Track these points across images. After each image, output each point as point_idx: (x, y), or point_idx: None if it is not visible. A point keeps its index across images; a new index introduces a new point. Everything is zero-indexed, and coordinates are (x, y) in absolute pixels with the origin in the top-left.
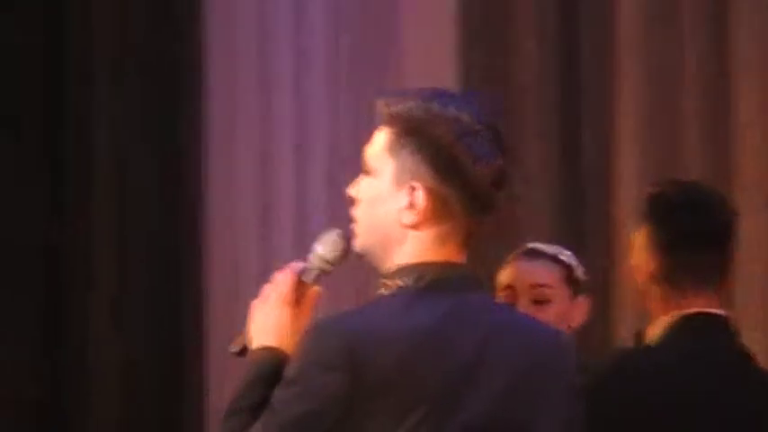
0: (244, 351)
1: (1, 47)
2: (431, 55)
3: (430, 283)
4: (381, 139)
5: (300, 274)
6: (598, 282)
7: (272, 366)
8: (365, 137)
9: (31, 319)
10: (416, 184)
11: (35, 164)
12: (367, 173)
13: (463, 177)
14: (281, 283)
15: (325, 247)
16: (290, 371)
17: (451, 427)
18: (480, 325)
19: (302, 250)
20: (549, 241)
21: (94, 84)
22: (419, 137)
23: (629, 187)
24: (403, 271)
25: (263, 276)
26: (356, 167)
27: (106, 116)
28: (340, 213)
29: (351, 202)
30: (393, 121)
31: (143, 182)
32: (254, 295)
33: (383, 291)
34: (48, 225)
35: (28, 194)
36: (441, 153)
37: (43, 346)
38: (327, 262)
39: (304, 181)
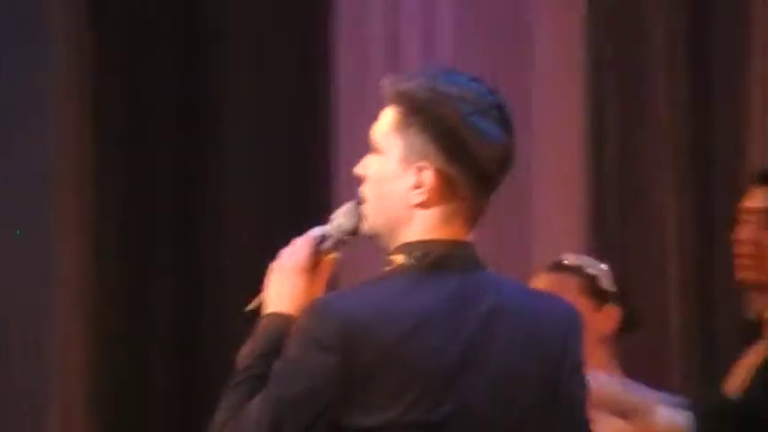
0: (259, 311)
1: None
2: (559, 83)
3: (435, 260)
4: (388, 117)
5: (318, 241)
6: None
7: (282, 334)
8: None
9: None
10: (424, 164)
11: None
12: (375, 151)
13: (470, 157)
14: (298, 250)
15: (344, 218)
16: (289, 348)
17: (446, 409)
18: (484, 305)
19: None
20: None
21: None
22: (426, 116)
23: None
24: (408, 247)
25: None
26: None
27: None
28: None
29: (359, 180)
30: (399, 99)
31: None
32: None
33: (387, 268)
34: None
35: None
36: (448, 133)
37: None
38: (345, 232)
39: None
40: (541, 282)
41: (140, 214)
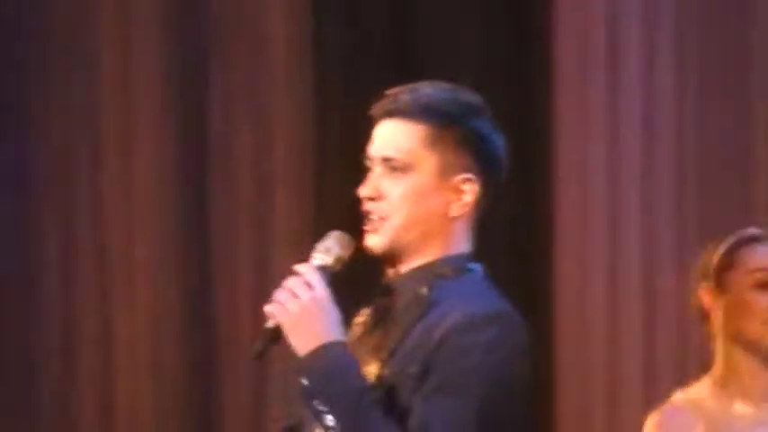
0: (266, 352)
1: None
2: None
3: (484, 270)
4: (413, 133)
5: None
6: None
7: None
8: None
9: None
10: (468, 176)
11: None
12: (394, 169)
13: (501, 166)
14: (315, 284)
15: (340, 248)
16: (482, 363)
17: None
18: None
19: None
20: None
21: None
22: (460, 129)
23: None
24: (459, 260)
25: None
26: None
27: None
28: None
29: (366, 200)
30: (425, 114)
31: None
32: None
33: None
34: None
35: None
36: (483, 144)
37: None
38: (342, 263)
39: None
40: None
41: None
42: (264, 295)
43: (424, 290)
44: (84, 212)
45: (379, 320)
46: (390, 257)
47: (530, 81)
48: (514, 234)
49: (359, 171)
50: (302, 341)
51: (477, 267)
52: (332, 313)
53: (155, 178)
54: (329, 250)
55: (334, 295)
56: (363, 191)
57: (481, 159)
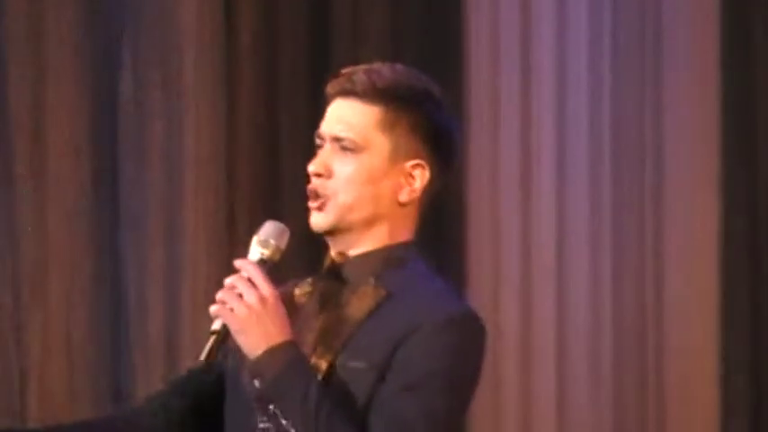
0: (211, 356)
1: None
2: (693, 69)
3: (424, 259)
4: (368, 115)
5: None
6: None
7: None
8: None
9: None
10: (419, 162)
11: None
12: (345, 149)
13: (454, 154)
14: (259, 281)
15: (278, 239)
16: (453, 363)
17: None
18: None
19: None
20: None
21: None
22: (414, 115)
23: None
24: (405, 248)
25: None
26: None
27: None
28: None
29: (314, 176)
30: (381, 96)
31: None
32: None
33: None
34: None
35: None
36: (437, 131)
37: None
38: (280, 252)
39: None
40: None
41: None
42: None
43: (373, 280)
44: None
45: (326, 304)
46: (334, 237)
47: (441, 64)
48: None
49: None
50: (252, 343)
51: (419, 257)
52: (279, 312)
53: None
54: (266, 242)
55: (275, 283)
56: (312, 167)
57: (434, 147)
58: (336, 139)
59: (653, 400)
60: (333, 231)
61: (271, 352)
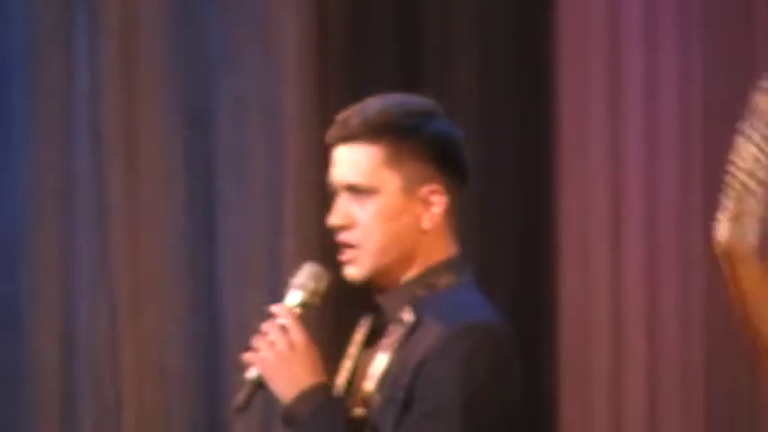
0: (248, 403)
1: None
2: None
3: (469, 274)
4: (371, 155)
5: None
6: None
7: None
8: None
9: None
10: (434, 187)
11: None
12: (359, 193)
13: (463, 165)
14: (292, 328)
15: (315, 281)
16: (469, 379)
17: None
18: None
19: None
20: None
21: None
22: (417, 141)
23: None
24: (444, 267)
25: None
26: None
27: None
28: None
29: (338, 229)
30: (378, 133)
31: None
32: None
33: (423, 292)
34: None
35: None
36: (443, 150)
37: None
38: (319, 294)
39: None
40: None
41: None
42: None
43: (405, 314)
44: None
45: (369, 342)
46: (373, 283)
47: (530, 87)
48: (519, 244)
49: None
50: (283, 389)
51: (463, 274)
52: (310, 355)
53: None
54: (304, 285)
55: (322, 318)
56: (333, 220)
57: (443, 165)
58: (349, 187)
59: (747, 411)
60: (371, 279)
61: (299, 397)
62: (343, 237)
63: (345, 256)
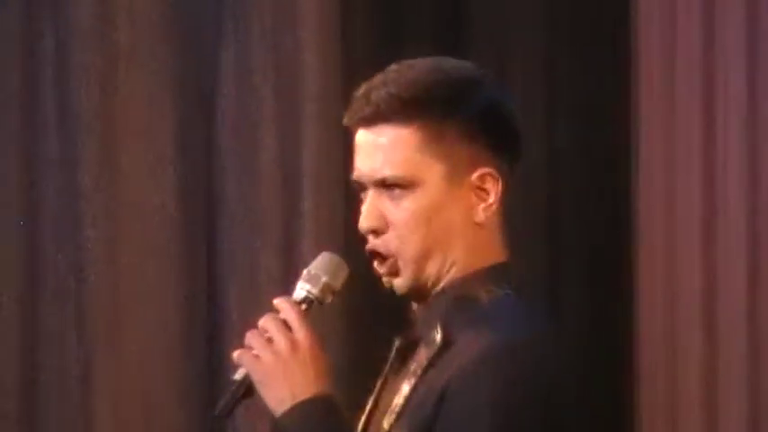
0: (245, 390)
1: None
2: None
3: (520, 288)
4: (406, 140)
5: (304, 308)
6: None
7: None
8: None
9: None
10: (488, 170)
11: None
12: (394, 188)
13: (518, 141)
14: (297, 326)
15: (330, 276)
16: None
17: None
18: None
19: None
20: None
21: None
22: (461, 118)
23: None
24: (486, 276)
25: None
26: None
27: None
28: None
29: (370, 234)
30: (414, 110)
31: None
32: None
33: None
34: None
35: None
36: (495, 125)
37: None
38: (332, 293)
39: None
40: None
41: None
42: None
43: (434, 332)
44: None
45: (399, 360)
46: (419, 293)
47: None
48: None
49: None
50: (276, 397)
51: (509, 283)
52: (315, 361)
53: None
54: (316, 278)
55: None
56: (364, 223)
57: (496, 143)
58: (380, 181)
59: None
60: (415, 290)
61: (295, 409)
62: (374, 244)
63: (383, 268)
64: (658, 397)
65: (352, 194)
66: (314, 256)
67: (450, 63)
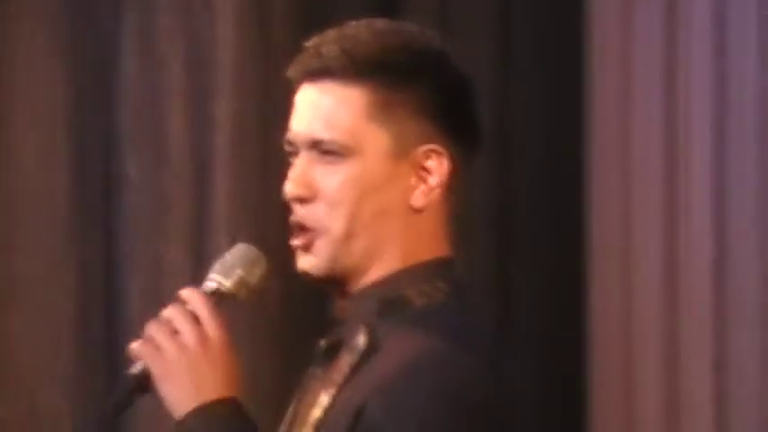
0: (141, 385)
1: None
2: None
3: (468, 293)
4: (353, 101)
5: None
6: None
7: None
8: None
9: None
10: (435, 147)
11: None
12: (328, 154)
13: (476, 124)
14: (207, 319)
15: (245, 270)
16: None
17: None
18: None
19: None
20: None
21: None
22: (416, 88)
23: None
24: (422, 273)
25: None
26: None
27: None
28: None
29: (295, 202)
30: (367, 72)
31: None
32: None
33: (417, 300)
34: None
35: None
36: (450, 98)
37: None
38: (248, 289)
39: None
40: None
41: None
42: None
43: (358, 335)
44: None
45: (321, 367)
46: (335, 282)
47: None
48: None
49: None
50: (178, 397)
51: (450, 285)
52: (225, 360)
53: None
54: (230, 271)
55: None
56: (290, 189)
57: (450, 122)
58: (315, 144)
59: None
60: (330, 276)
61: (199, 412)
62: (300, 213)
63: (298, 239)
64: (612, 397)
65: (269, 179)
66: (227, 247)
67: (414, 28)
